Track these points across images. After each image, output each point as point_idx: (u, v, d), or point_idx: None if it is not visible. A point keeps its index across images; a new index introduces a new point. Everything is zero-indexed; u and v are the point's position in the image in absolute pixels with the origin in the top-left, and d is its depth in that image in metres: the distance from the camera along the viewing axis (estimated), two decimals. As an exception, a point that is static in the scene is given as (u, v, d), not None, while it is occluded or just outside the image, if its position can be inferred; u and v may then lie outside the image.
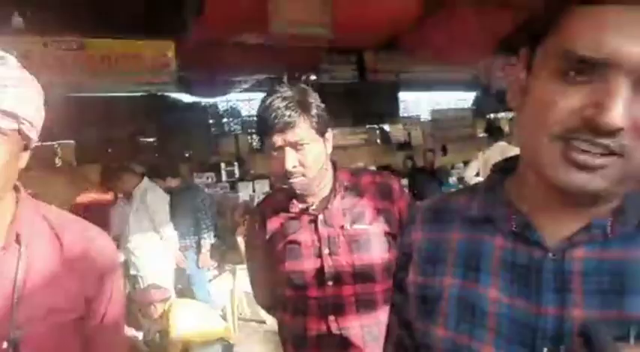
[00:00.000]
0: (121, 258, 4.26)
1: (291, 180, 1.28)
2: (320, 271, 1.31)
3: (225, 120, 8.20)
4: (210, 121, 7.81)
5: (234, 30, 5.39)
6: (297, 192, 1.32)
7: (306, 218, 1.36)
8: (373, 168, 7.02)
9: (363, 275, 1.30)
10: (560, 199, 0.54)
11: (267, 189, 6.70)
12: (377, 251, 1.30)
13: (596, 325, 0.46)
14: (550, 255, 0.55)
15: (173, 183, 5.11)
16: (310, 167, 1.28)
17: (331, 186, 1.38)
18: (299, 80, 9.01)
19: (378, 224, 1.33)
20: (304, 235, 1.34)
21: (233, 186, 7.18)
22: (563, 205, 0.55)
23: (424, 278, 0.67)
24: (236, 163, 7.50)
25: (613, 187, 0.50)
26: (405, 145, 8.88)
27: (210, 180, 7.19)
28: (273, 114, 1.23)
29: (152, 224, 4.50)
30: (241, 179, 7.32)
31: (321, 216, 1.34)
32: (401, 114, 9.39)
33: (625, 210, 0.54)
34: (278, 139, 1.25)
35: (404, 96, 9.40)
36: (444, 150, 9.15)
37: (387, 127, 9.00)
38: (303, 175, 1.28)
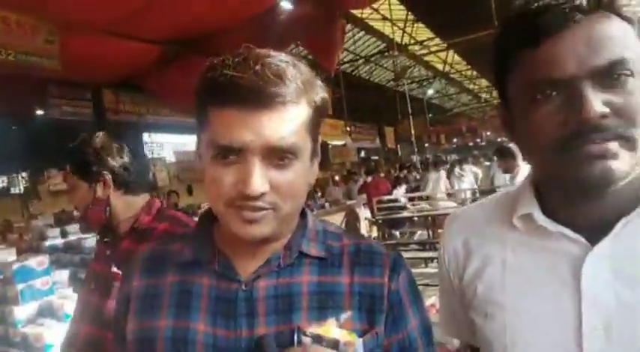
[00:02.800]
0: None
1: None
2: None
3: None
4: None
5: None
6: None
7: None
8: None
9: None
10: (245, 243, 0.67)
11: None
12: None
13: (265, 337, 0.58)
14: (243, 286, 0.68)
15: None
16: (77, 208, 1.41)
17: None
18: (22, 113, 7.61)
19: None
20: None
21: None
22: (252, 247, 0.69)
23: (141, 323, 0.71)
24: None
25: (275, 230, 0.66)
26: (149, 187, 8.51)
27: None
28: None
29: None
30: None
31: None
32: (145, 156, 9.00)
33: (290, 247, 0.70)
34: None
35: (148, 138, 9.11)
36: (190, 191, 9.22)
37: (129, 169, 8.45)
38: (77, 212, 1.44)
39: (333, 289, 0.69)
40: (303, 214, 0.75)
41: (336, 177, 12.20)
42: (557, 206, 0.67)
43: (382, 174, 10.41)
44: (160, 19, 5.01)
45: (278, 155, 0.62)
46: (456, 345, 2.05)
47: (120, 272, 1.26)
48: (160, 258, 0.76)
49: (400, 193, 8.12)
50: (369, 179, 9.07)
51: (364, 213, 7.98)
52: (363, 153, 20.43)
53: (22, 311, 3.57)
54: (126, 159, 1.38)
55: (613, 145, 0.57)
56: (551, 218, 0.66)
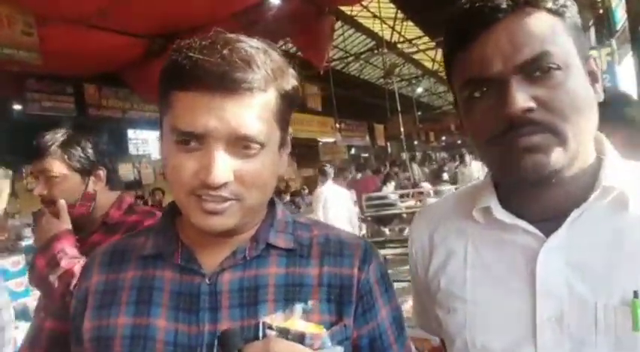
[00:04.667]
0: None
1: (43, 206, 1.35)
2: None
3: None
4: None
5: None
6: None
7: None
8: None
9: None
10: (209, 235, 0.64)
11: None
12: None
13: (228, 331, 0.54)
14: (206, 280, 0.65)
15: None
16: (58, 198, 1.32)
17: None
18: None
19: None
20: None
21: None
22: (216, 239, 0.66)
23: (99, 321, 0.68)
24: None
25: (240, 222, 0.63)
26: (134, 184, 8.38)
27: None
28: (38, 140, 1.32)
29: None
30: None
31: None
32: (130, 153, 8.85)
33: (257, 238, 0.68)
34: (33, 164, 1.33)
35: (133, 134, 8.93)
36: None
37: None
38: (52, 203, 1.32)
39: (301, 281, 0.67)
40: (271, 204, 0.73)
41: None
42: (512, 199, 0.68)
43: (370, 172, 10.35)
44: (144, 12, 4.88)
45: (243, 143, 0.59)
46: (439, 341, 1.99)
47: None
48: (122, 252, 0.73)
49: (390, 190, 8.08)
50: (359, 176, 9.04)
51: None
52: (353, 151, 20.44)
53: (-4, 313, 3.44)
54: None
55: (541, 138, 0.58)
56: (509, 211, 0.67)
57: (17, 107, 6.70)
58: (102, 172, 1.38)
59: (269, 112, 0.61)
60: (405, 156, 13.94)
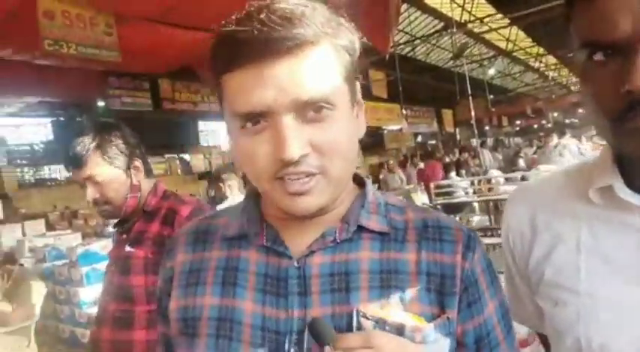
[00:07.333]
0: None
1: (98, 209, 1.41)
2: None
3: (-19, 149, 6.72)
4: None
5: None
6: (108, 219, 1.46)
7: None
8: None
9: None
10: (296, 217, 0.60)
11: (42, 229, 5.67)
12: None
13: (317, 320, 0.50)
14: (295, 263, 0.61)
15: None
16: (112, 198, 1.38)
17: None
18: (83, 105, 8.06)
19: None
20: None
21: (-6, 231, 5.86)
22: (301, 220, 0.61)
23: (185, 300, 0.66)
24: (-1, 202, 6.17)
25: (329, 200, 0.59)
26: (206, 174, 8.76)
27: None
28: (70, 150, 1.34)
29: None
30: (6, 221, 6.04)
31: None
32: (201, 144, 9.26)
33: (348, 220, 0.62)
34: (74, 173, 1.36)
35: (203, 126, 9.32)
36: (245, 178, 9.34)
37: (187, 157, 8.74)
38: (107, 204, 1.39)
39: (397, 267, 0.61)
40: (361, 184, 0.68)
41: (391, 162, 11.81)
42: (638, 178, 0.59)
43: (438, 157, 10.00)
44: (213, 7, 5.01)
45: (310, 107, 0.54)
46: (523, 334, 1.86)
47: (133, 251, 1.35)
48: (204, 233, 0.71)
49: (458, 177, 7.77)
50: (422, 165, 8.80)
51: (421, 199, 7.74)
52: (419, 138, 19.90)
53: (87, 293, 3.75)
54: (139, 145, 1.47)
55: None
56: (634, 191, 0.58)
57: (101, 104, 7.23)
58: (138, 163, 1.43)
59: (329, 68, 0.55)
60: (475, 142, 13.35)
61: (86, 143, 1.34)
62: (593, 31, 0.52)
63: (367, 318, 0.52)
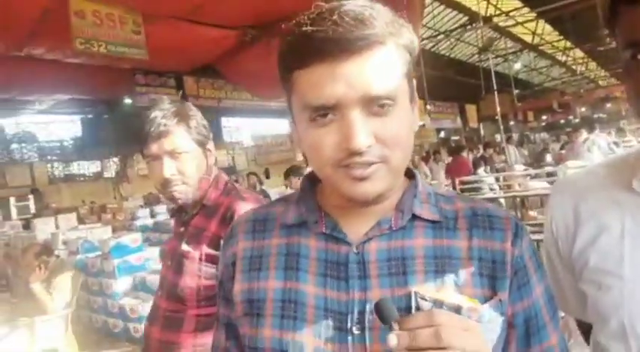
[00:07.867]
0: None
1: (170, 189, 1.28)
2: None
3: (15, 146, 6.95)
4: (-5, 147, 6.53)
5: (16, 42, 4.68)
6: (179, 201, 1.30)
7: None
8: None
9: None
10: (355, 204, 0.64)
11: (74, 222, 5.83)
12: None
13: (383, 301, 0.52)
14: (354, 249, 0.64)
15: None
16: (190, 176, 1.28)
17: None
18: (111, 102, 8.25)
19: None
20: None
21: (28, 225, 6.06)
22: (360, 208, 0.65)
23: (249, 284, 0.70)
24: (31, 196, 6.38)
25: (388, 187, 0.62)
26: (229, 169, 8.87)
27: (-6, 218, 5.93)
28: (149, 124, 1.25)
29: None
30: (38, 215, 6.23)
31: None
32: (225, 140, 9.36)
33: (402, 208, 0.67)
34: (154, 147, 1.25)
35: (226, 122, 9.42)
36: (267, 174, 9.43)
37: (211, 153, 8.83)
38: (184, 183, 1.28)
39: (450, 253, 0.64)
40: (411, 175, 0.72)
41: (415, 157, 11.71)
42: None
43: (464, 154, 9.85)
44: (237, 4, 5.06)
45: (376, 103, 0.58)
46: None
47: (190, 250, 1.28)
48: (263, 221, 0.75)
49: (484, 173, 7.64)
50: (448, 160, 8.67)
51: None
52: (442, 134, 19.65)
53: (119, 285, 3.86)
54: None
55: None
56: None
57: (128, 101, 7.39)
58: (210, 146, 1.35)
59: (393, 66, 0.60)
60: (500, 137, 13.12)
61: (170, 114, 1.26)
62: (637, 33, 0.55)
63: (425, 300, 0.54)
